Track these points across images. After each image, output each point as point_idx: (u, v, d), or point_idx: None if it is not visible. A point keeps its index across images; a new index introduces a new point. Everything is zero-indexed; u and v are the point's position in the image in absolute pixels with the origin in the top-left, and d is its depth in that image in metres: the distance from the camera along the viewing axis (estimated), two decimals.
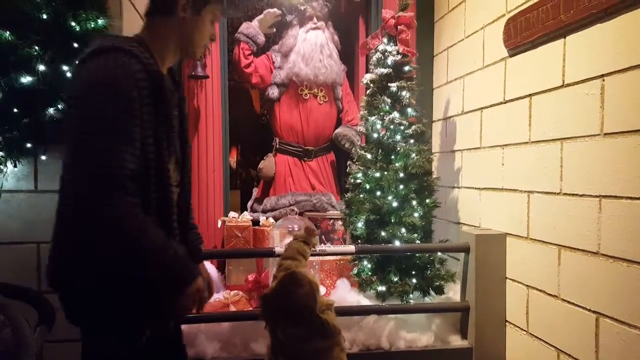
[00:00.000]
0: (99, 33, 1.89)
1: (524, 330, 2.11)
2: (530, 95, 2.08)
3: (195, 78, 2.82)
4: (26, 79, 1.76)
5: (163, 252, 1.10)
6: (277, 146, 3.30)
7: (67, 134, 1.09)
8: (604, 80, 1.66)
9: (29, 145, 1.87)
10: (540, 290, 1.99)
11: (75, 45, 1.84)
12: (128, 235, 1.06)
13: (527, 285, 2.09)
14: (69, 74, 1.83)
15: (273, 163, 3.27)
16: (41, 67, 1.77)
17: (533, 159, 2.06)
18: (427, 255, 2.48)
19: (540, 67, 2.01)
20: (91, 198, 1.03)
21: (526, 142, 2.10)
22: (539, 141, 2.02)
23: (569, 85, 1.83)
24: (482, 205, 2.53)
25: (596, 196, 1.69)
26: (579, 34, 1.78)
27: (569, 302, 1.82)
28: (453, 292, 2.50)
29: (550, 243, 1.93)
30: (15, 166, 1.90)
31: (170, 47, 1.30)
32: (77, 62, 1.16)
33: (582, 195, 1.76)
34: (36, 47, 1.77)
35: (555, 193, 1.91)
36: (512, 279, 2.22)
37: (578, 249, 1.77)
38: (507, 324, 2.24)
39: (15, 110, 1.78)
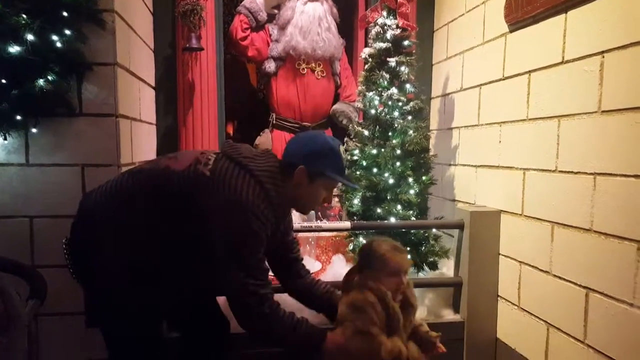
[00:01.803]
0: (90, 2, 1.85)
1: (515, 305, 2.14)
2: (529, 71, 2.06)
3: (190, 50, 2.77)
4: (14, 49, 1.71)
5: (292, 333, 1.50)
6: (274, 122, 3.27)
7: (218, 239, 1.44)
8: (603, 57, 1.64)
9: (18, 117, 1.82)
10: (532, 266, 2.02)
11: (65, 13, 1.79)
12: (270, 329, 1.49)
13: (519, 261, 2.11)
14: (58, 44, 1.79)
15: (270, 139, 3.24)
16: (30, 37, 1.71)
17: (530, 136, 2.05)
18: (422, 231, 2.50)
19: (540, 43, 1.98)
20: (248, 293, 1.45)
21: (524, 120, 2.09)
22: (536, 118, 2.01)
23: (568, 61, 1.82)
24: (478, 182, 2.54)
25: (591, 174, 1.69)
26: (580, 9, 1.75)
27: (560, 277, 1.84)
28: (447, 268, 2.53)
29: (544, 220, 1.94)
30: (5, 139, 1.86)
31: (287, 199, 1.55)
32: (229, 162, 1.48)
33: (577, 173, 1.76)
34: (24, 16, 1.71)
35: (550, 170, 1.91)
36: (505, 255, 2.24)
37: (571, 226, 1.79)
38: (498, 298, 2.28)
39: (3, 81, 1.73)
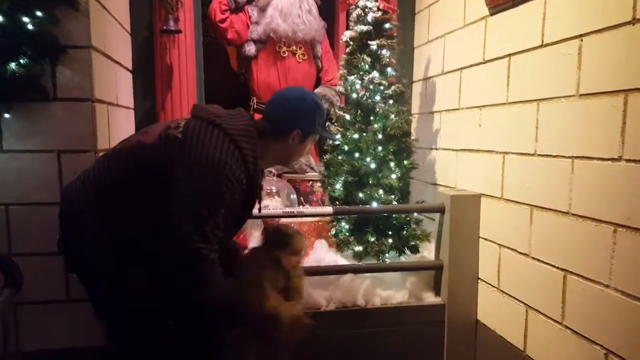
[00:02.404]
0: None
1: (495, 287, 2.18)
2: (509, 55, 2.06)
3: (168, 33, 2.70)
4: None
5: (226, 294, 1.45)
6: (255, 106, 3.23)
7: (180, 190, 1.37)
8: (582, 40, 1.65)
9: None
10: (511, 249, 2.05)
11: None
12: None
13: (499, 245, 2.14)
14: (30, 26, 1.73)
15: None
16: None
17: (510, 120, 2.06)
18: (404, 215, 2.52)
19: (520, 27, 1.98)
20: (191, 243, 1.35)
21: (503, 103, 2.10)
22: (515, 102, 2.02)
23: (547, 45, 1.82)
24: (459, 166, 2.56)
25: (569, 157, 1.71)
26: None
27: (538, 260, 1.87)
28: (428, 252, 2.55)
29: (523, 203, 1.97)
30: None
31: (271, 158, 1.64)
32: (200, 122, 1.44)
33: (555, 156, 1.78)
34: None
35: (529, 154, 1.93)
36: (485, 238, 2.27)
37: (549, 209, 1.81)
38: (479, 281, 2.32)
39: None
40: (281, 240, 1.66)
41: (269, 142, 1.57)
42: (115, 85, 2.37)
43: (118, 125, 2.36)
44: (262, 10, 3.05)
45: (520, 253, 1.98)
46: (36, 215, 1.95)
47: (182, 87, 2.82)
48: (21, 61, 1.73)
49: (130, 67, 2.73)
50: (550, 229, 1.81)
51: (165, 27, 2.67)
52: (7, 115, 1.87)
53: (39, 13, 1.76)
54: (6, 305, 1.79)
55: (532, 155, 1.91)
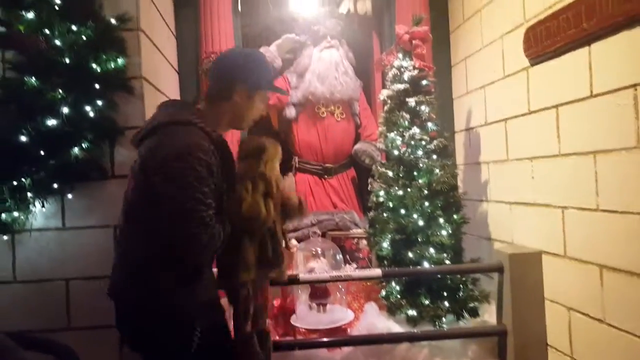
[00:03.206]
0: (119, 72, 1.94)
1: (568, 355, 1.99)
2: (556, 105, 1.98)
3: None
4: (51, 122, 1.80)
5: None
6: (297, 165, 3.26)
7: (163, 187, 1.37)
8: (636, 89, 1.56)
9: (55, 185, 1.90)
10: (583, 313, 1.88)
11: (97, 86, 1.88)
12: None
13: (568, 308, 1.98)
14: (91, 114, 1.88)
15: (293, 182, 3.17)
16: (65, 110, 1.81)
17: (565, 172, 1.95)
18: (459, 275, 2.39)
19: (565, 77, 1.91)
20: (186, 226, 1.36)
21: (556, 155, 2.00)
22: (569, 154, 1.92)
23: (598, 95, 1.73)
24: (514, 219, 2.43)
25: (637, 213, 1.58)
26: (604, 41, 1.69)
27: (615, 327, 1.70)
28: (488, 314, 2.39)
29: (591, 262, 1.82)
30: (42, 206, 1.94)
31: (224, 122, 1.61)
32: (155, 127, 1.45)
33: (622, 212, 1.65)
34: (60, 91, 1.81)
35: (591, 209, 1.80)
36: (551, 300, 2.10)
37: (622, 270, 1.66)
38: (548, 347, 2.13)
39: (41, 152, 1.82)
40: (254, 149, 1.71)
41: (220, 106, 1.58)
42: None
43: None
44: (301, 75, 3.13)
45: (593, 318, 1.81)
46: (93, 288, 2.01)
47: None
48: (83, 145, 1.87)
49: None
50: (625, 291, 1.65)
51: None
52: (69, 196, 2.00)
53: (99, 102, 1.91)
54: None
55: (595, 210, 1.78)
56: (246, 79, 1.57)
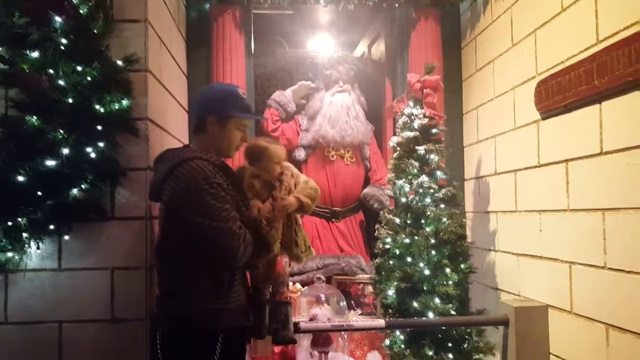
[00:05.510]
0: (123, 113, 1.90)
1: None
2: (566, 160, 1.97)
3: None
4: (51, 163, 1.74)
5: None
6: None
7: (193, 217, 1.58)
8: None
9: (52, 226, 1.83)
10: None
11: (99, 127, 1.83)
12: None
13: None
14: (93, 155, 1.82)
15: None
16: (65, 151, 1.75)
17: (573, 228, 1.93)
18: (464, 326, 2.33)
19: (575, 133, 1.92)
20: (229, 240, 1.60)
21: (564, 210, 1.98)
22: (578, 209, 1.90)
23: (607, 152, 1.73)
24: (521, 272, 2.38)
25: None
26: (615, 100, 1.70)
27: None
28: None
29: (597, 320, 1.77)
30: (38, 248, 1.87)
31: (212, 150, 1.73)
32: (170, 168, 1.60)
33: (629, 272, 1.61)
34: (61, 131, 1.76)
35: (599, 267, 1.76)
36: (556, 355, 2.03)
37: (628, 331, 1.61)
38: None
39: (39, 192, 1.75)
40: (257, 154, 1.94)
41: (201, 138, 1.76)
42: None
43: None
44: (312, 118, 3.18)
45: None
46: (87, 332, 1.96)
47: None
48: (82, 187, 1.81)
49: None
50: (631, 352, 1.60)
51: None
52: (66, 237, 1.92)
53: (101, 144, 1.85)
54: None
55: (602, 268, 1.75)
56: (215, 109, 1.72)
